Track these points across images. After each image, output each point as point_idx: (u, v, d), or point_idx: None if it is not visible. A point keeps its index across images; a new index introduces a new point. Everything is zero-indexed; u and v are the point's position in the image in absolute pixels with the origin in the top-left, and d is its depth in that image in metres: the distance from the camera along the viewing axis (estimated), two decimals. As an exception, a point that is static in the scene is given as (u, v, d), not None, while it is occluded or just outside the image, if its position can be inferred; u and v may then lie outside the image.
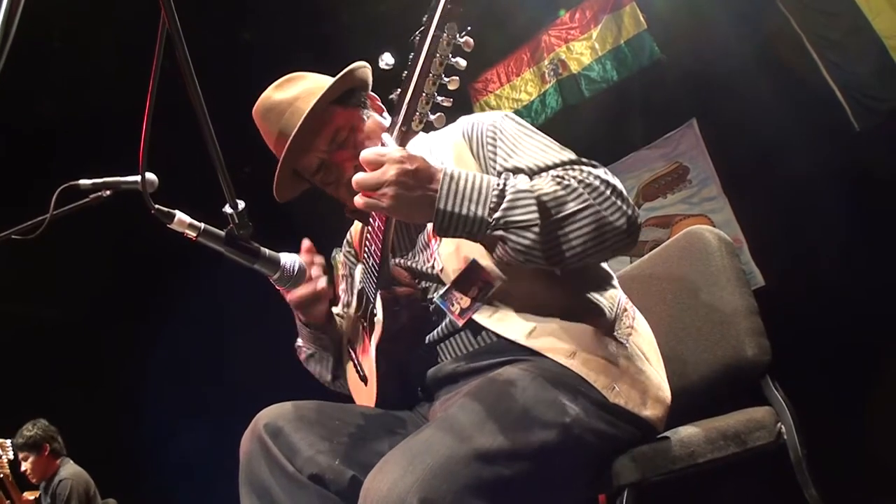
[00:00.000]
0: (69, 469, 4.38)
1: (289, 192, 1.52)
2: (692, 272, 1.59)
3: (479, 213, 1.13)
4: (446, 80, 1.10)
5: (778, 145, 3.69)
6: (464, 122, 1.44)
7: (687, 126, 4.27)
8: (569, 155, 1.30)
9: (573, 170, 1.24)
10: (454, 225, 1.14)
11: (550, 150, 1.32)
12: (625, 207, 1.18)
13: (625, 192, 1.21)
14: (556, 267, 1.19)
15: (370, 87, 1.51)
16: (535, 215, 1.13)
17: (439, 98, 1.11)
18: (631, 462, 1.19)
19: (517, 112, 4.57)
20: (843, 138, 3.60)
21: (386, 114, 1.51)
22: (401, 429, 1.35)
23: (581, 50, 4.54)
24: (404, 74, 1.12)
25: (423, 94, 1.10)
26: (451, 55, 1.08)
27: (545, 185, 1.18)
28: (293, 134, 1.36)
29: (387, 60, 1.37)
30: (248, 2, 4.40)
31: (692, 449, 1.25)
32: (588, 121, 4.39)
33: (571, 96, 4.60)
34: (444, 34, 1.06)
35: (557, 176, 1.21)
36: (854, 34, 3.64)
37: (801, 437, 1.38)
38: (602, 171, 1.23)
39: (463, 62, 1.09)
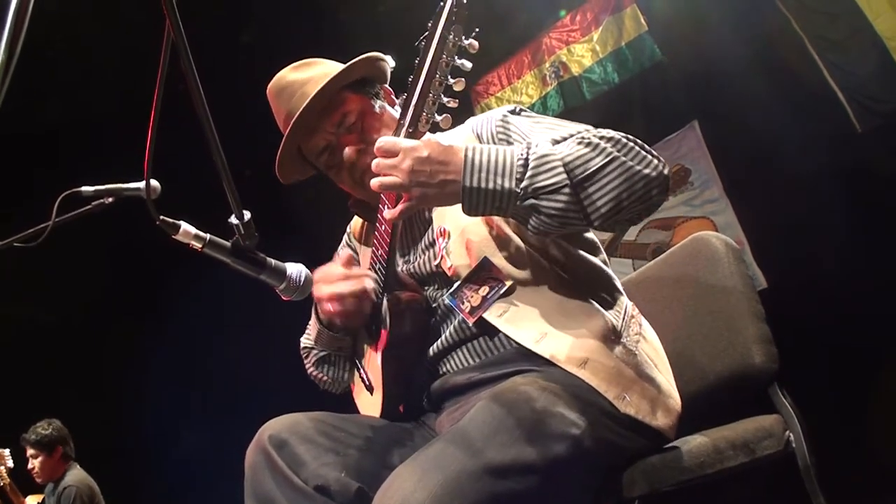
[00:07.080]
0: (75, 475, 4.28)
1: (291, 173, 1.51)
2: (699, 278, 1.58)
3: (507, 184, 1.11)
4: (452, 81, 1.11)
5: (779, 147, 3.68)
6: (473, 120, 1.45)
7: (688, 128, 4.26)
8: (585, 126, 1.30)
9: (592, 131, 1.23)
10: (483, 201, 1.12)
11: (566, 124, 1.32)
12: (650, 157, 1.17)
13: (646, 145, 1.20)
14: (594, 225, 1.17)
15: (387, 82, 1.51)
16: (563, 176, 1.11)
17: (445, 99, 1.12)
18: (641, 474, 1.19)
19: (518, 114, 4.54)
20: (845, 139, 3.59)
21: (399, 107, 1.51)
22: (407, 440, 1.34)
23: (582, 52, 4.53)
24: (410, 77, 1.13)
25: (430, 96, 1.10)
26: (456, 57, 1.09)
27: (567, 147, 1.17)
28: (300, 110, 1.37)
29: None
30: (248, 4, 4.39)
31: (701, 459, 1.24)
32: (589, 123, 4.36)
33: (572, 98, 4.59)
34: (451, 36, 1.07)
35: (579, 137, 1.20)
36: (855, 35, 3.63)
37: (809, 445, 1.37)
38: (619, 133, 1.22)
39: (469, 64, 1.10)
